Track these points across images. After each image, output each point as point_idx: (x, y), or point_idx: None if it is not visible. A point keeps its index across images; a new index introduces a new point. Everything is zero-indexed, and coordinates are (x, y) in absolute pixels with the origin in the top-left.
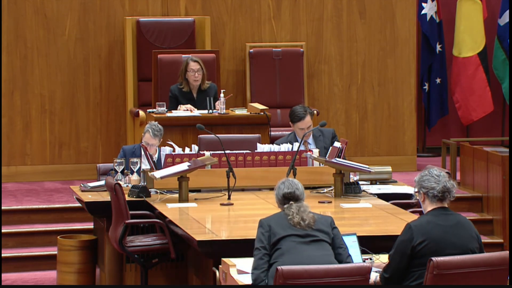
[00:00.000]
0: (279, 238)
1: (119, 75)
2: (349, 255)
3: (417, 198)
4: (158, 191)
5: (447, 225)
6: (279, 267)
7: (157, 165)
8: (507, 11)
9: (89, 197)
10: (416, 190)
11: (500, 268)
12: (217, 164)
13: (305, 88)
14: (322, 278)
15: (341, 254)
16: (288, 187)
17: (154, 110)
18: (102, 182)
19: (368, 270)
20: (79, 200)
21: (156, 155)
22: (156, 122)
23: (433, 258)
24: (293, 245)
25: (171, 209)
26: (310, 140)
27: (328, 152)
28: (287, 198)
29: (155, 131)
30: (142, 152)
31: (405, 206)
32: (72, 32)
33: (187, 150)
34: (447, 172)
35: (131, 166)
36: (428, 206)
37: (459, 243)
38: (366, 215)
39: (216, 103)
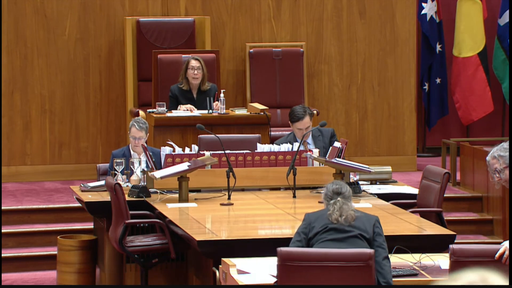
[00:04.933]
0: (315, 233)
1: (119, 75)
2: (387, 258)
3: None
4: (158, 191)
5: None
6: (278, 249)
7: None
8: (507, 11)
9: (89, 197)
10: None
11: None
12: (217, 164)
13: (305, 88)
14: (321, 261)
15: (377, 251)
16: (336, 183)
17: (154, 110)
18: (102, 182)
19: (370, 256)
20: (79, 200)
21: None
22: (140, 117)
23: (451, 246)
24: (325, 242)
25: (171, 209)
26: (309, 140)
27: (328, 152)
28: (336, 193)
29: (140, 123)
30: (132, 152)
31: (405, 206)
32: (72, 32)
33: (187, 150)
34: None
35: (131, 166)
36: None
37: None
38: None
39: (214, 103)
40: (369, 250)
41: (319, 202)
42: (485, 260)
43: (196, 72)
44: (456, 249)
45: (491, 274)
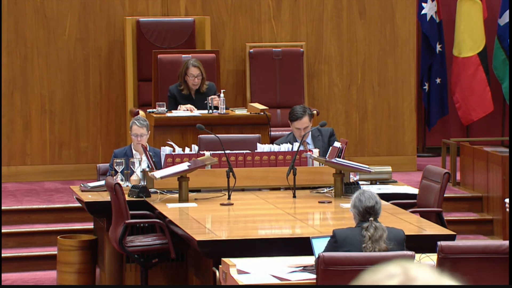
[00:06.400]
0: None
1: (119, 75)
2: None
3: None
4: (158, 191)
5: None
6: (320, 254)
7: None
8: (507, 11)
9: (89, 197)
10: None
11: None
12: (217, 164)
13: (305, 88)
14: (364, 265)
15: None
16: (368, 200)
17: (154, 110)
18: (102, 182)
19: (411, 258)
20: (79, 200)
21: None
22: (139, 116)
23: (439, 242)
24: None
25: (171, 209)
26: (309, 139)
27: (328, 152)
28: (369, 213)
29: (140, 120)
30: (134, 151)
31: (405, 206)
32: (72, 32)
33: (187, 150)
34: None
35: (131, 166)
36: None
37: None
38: None
39: (214, 99)
40: (409, 252)
41: (319, 202)
42: (473, 257)
43: (196, 80)
44: (444, 245)
45: (413, 266)
